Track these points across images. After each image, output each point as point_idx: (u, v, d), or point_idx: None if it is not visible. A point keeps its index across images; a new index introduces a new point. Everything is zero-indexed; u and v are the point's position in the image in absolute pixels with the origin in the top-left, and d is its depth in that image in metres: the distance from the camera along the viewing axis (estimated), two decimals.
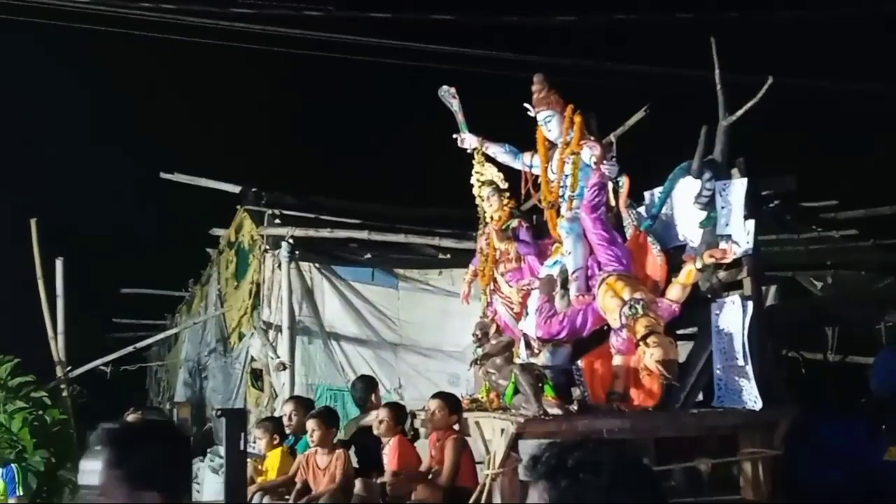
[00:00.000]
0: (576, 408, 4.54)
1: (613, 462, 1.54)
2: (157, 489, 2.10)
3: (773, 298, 7.55)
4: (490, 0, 13.43)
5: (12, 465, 7.76)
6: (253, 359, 9.32)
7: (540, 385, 4.42)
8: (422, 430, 5.77)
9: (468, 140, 5.79)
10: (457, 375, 7.96)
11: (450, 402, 5.38)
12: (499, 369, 4.77)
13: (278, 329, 8.60)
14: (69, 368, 9.57)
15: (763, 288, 5.08)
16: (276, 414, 7.53)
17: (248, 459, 5.78)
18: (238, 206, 10.06)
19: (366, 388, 6.84)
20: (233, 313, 10.49)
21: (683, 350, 4.77)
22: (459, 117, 5.85)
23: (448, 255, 8.89)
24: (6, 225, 12.28)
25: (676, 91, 9.67)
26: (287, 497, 5.80)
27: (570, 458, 1.55)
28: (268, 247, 8.88)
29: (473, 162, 5.81)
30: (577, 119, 5.13)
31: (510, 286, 5.63)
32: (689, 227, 4.85)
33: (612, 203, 5.08)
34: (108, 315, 15.94)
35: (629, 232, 5.06)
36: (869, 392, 4.49)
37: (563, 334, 4.86)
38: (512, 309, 5.58)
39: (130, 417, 5.45)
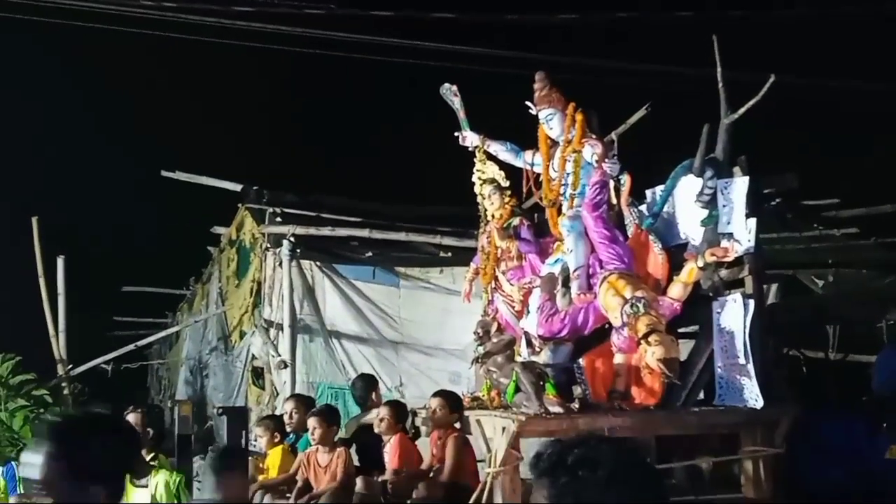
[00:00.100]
0: (577, 406, 4.54)
1: (615, 459, 1.55)
2: (101, 484, 2.04)
3: (775, 297, 7.55)
4: None
5: (13, 463, 7.76)
6: (254, 357, 9.32)
7: (541, 383, 4.41)
8: (423, 429, 5.77)
9: (469, 138, 5.77)
10: (458, 373, 7.95)
11: (451, 401, 5.39)
12: (500, 367, 4.78)
13: (279, 327, 8.59)
14: (70, 366, 9.55)
15: (764, 286, 5.08)
16: (277, 412, 7.53)
17: (249, 458, 5.78)
18: (239, 205, 10.05)
19: (367, 386, 6.82)
20: (234, 311, 10.50)
21: (685, 348, 4.76)
22: (461, 115, 5.83)
23: (449, 254, 8.89)
24: (7, 223, 12.32)
25: (678, 89, 9.68)
26: (288, 495, 5.79)
27: (572, 456, 1.55)
28: (269, 245, 8.86)
29: (475, 160, 5.79)
30: (579, 117, 5.11)
31: (511, 284, 5.61)
32: (690, 225, 4.85)
33: (614, 201, 5.06)
34: (110, 313, 15.98)
35: (630, 230, 5.05)
36: (870, 391, 4.46)
37: (564, 332, 4.86)
38: (513, 307, 5.57)
39: (130, 416, 5.42)
